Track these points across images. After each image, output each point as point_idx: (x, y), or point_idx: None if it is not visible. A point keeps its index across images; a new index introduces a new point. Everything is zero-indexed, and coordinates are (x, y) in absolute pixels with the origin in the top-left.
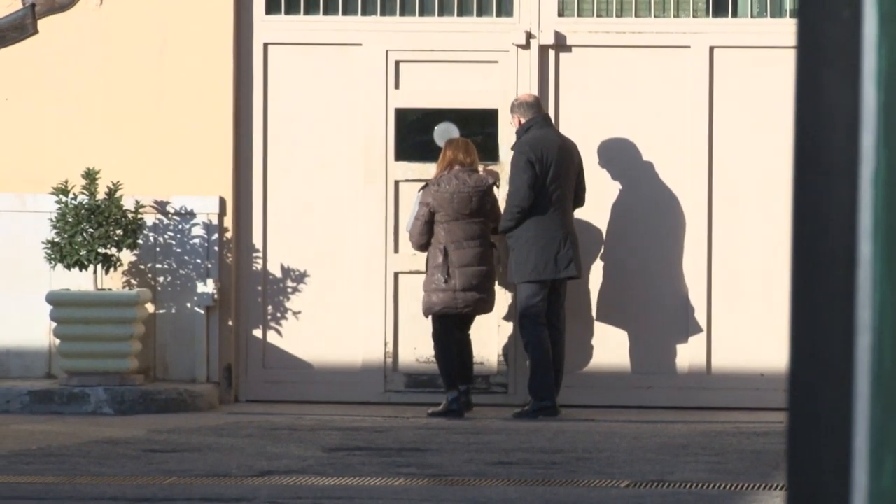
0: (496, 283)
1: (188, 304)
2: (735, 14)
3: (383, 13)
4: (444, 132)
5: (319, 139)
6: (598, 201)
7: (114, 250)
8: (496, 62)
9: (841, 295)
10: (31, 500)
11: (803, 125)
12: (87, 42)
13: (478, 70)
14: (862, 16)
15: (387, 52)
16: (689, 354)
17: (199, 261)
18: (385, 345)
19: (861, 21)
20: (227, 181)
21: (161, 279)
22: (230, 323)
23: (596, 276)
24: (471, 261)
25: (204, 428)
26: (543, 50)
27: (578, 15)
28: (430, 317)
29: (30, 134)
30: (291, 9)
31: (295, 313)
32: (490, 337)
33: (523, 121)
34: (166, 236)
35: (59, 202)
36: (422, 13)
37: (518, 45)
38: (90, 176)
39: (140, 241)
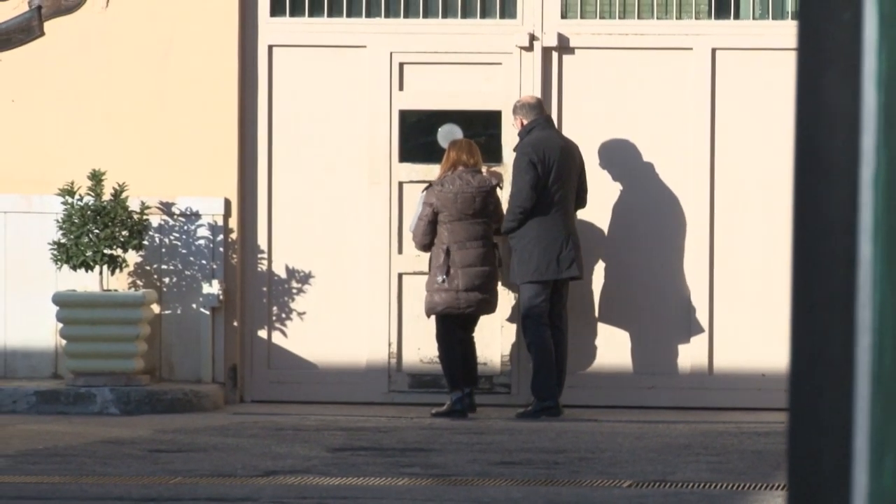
0: (499, 283)
1: (193, 305)
2: (737, 16)
3: (387, 15)
4: (447, 133)
5: (323, 141)
6: (601, 202)
7: (119, 251)
8: (500, 64)
9: (841, 295)
10: (37, 500)
11: (804, 126)
12: (93, 44)
13: (481, 72)
14: (862, 18)
15: (391, 53)
16: (690, 355)
17: (204, 262)
18: (389, 345)
19: (861, 23)
20: (232, 182)
21: (166, 280)
22: (235, 324)
23: (598, 276)
24: (474, 261)
25: (209, 428)
26: (546, 52)
27: (581, 17)
28: (433, 317)
29: (36, 135)
30: (296, 11)
31: (299, 314)
32: (493, 337)
33: (525, 122)
34: (172, 237)
35: (65, 203)
36: (425, 15)
37: (521, 47)
38: (96, 177)
39: (146, 242)
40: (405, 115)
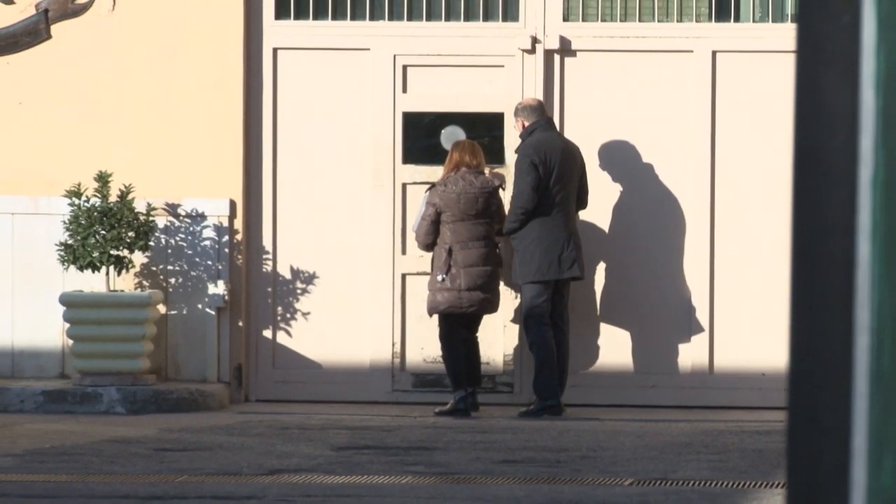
0: (501, 283)
1: (199, 306)
2: (737, 19)
3: (391, 18)
4: (450, 135)
5: (328, 142)
6: (602, 203)
7: (126, 252)
8: (502, 66)
9: (840, 295)
10: (44, 499)
11: (803, 127)
12: (99, 47)
13: (484, 74)
14: (861, 20)
15: (394, 56)
16: (691, 354)
17: (209, 262)
18: (393, 345)
19: (860, 25)
20: (238, 184)
21: (172, 280)
22: (240, 324)
23: (599, 276)
24: (476, 261)
25: (215, 427)
26: (549, 54)
27: (583, 20)
28: (436, 317)
29: (43, 137)
30: (300, 14)
31: (304, 314)
32: (496, 337)
33: (527, 124)
34: (177, 238)
35: (71, 205)
36: (429, 18)
37: (524, 50)
38: (102, 179)
39: (152, 243)
40: (408, 117)
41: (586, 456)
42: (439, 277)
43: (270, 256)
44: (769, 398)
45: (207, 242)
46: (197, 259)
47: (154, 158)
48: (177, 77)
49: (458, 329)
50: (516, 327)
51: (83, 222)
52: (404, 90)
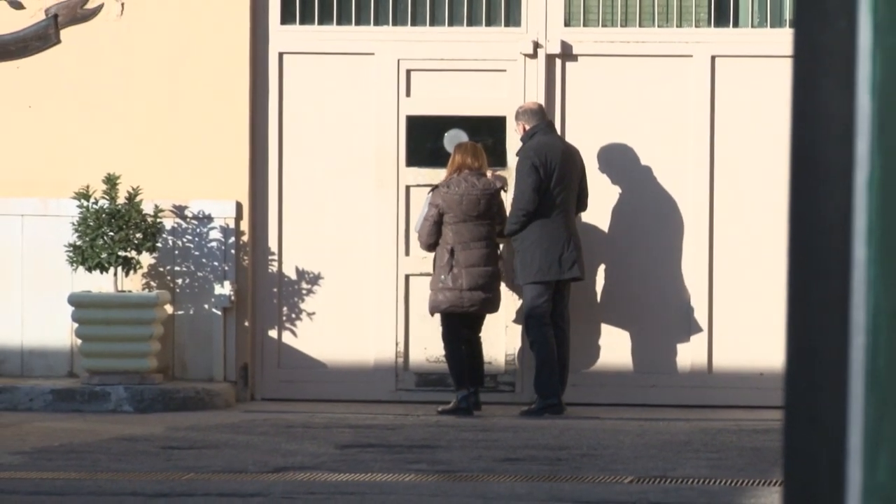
0: (502, 283)
1: (206, 306)
2: (736, 24)
3: (395, 23)
4: (453, 138)
5: (333, 145)
6: (602, 205)
7: (133, 253)
8: (504, 71)
9: (836, 296)
10: (53, 496)
11: (800, 131)
12: (107, 51)
13: (486, 78)
14: (857, 26)
15: (398, 60)
16: (690, 354)
17: (216, 263)
18: (396, 345)
19: (856, 31)
20: (244, 186)
21: (179, 281)
22: (246, 324)
23: (599, 277)
24: (477, 261)
25: (221, 425)
26: (550, 59)
27: (584, 25)
28: (439, 317)
29: (52, 140)
30: (306, 19)
31: (309, 314)
32: (498, 337)
33: (528, 127)
34: (185, 240)
35: (80, 206)
36: (432, 23)
37: (525, 55)
38: (111, 181)
39: (159, 245)
40: (412, 121)
41: (587, 454)
42: (443, 277)
43: (276, 257)
44: (767, 397)
45: (214, 244)
46: (204, 260)
47: (161, 161)
48: (184, 81)
49: (460, 328)
50: (518, 327)
51: (92, 224)
52: (408, 94)
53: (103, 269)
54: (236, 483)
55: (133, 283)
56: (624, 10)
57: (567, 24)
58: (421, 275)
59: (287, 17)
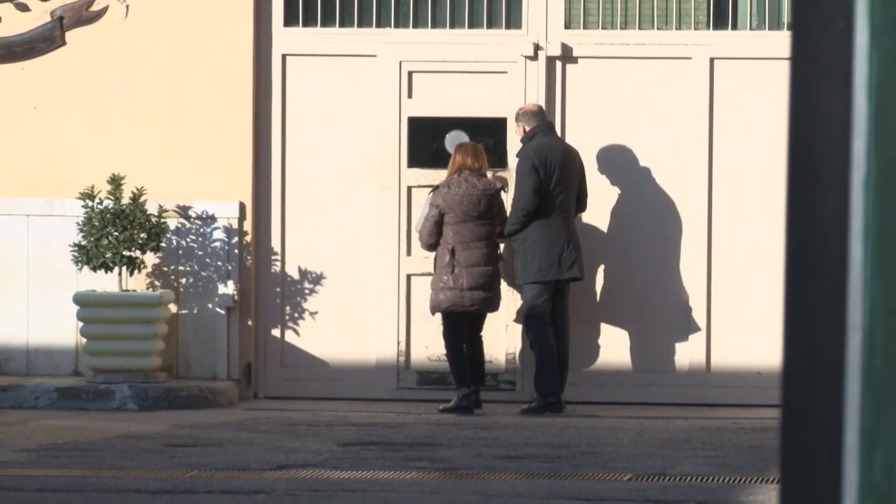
0: (502, 282)
1: (209, 305)
2: (735, 26)
3: (397, 25)
4: (454, 140)
5: (335, 146)
6: (601, 206)
7: (138, 253)
8: (505, 73)
9: (833, 295)
10: (58, 493)
11: (797, 132)
12: (112, 53)
13: (488, 80)
14: (854, 28)
15: (400, 62)
16: (689, 353)
17: (219, 263)
18: (398, 344)
19: (853, 33)
20: (247, 187)
21: (183, 281)
22: (250, 323)
23: (599, 277)
24: (478, 261)
25: (224, 423)
26: (551, 61)
27: (584, 27)
28: (440, 316)
29: (57, 141)
30: (309, 21)
31: (312, 313)
32: (498, 336)
33: (528, 129)
34: (188, 240)
35: (85, 207)
36: (434, 25)
37: (526, 57)
38: (115, 182)
39: (163, 245)
40: (414, 122)
41: (587, 452)
42: (444, 277)
43: (279, 257)
44: (765, 396)
45: (218, 244)
46: (207, 260)
47: (166, 162)
48: (188, 82)
49: (461, 327)
50: (518, 327)
51: (96, 224)
52: (410, 95)
53: (108, 268)
54: (239, 480)
55: (137, 283)
56: (624, 13)
57: (567, 26)
58: (422, 274)
59: (290, 19)
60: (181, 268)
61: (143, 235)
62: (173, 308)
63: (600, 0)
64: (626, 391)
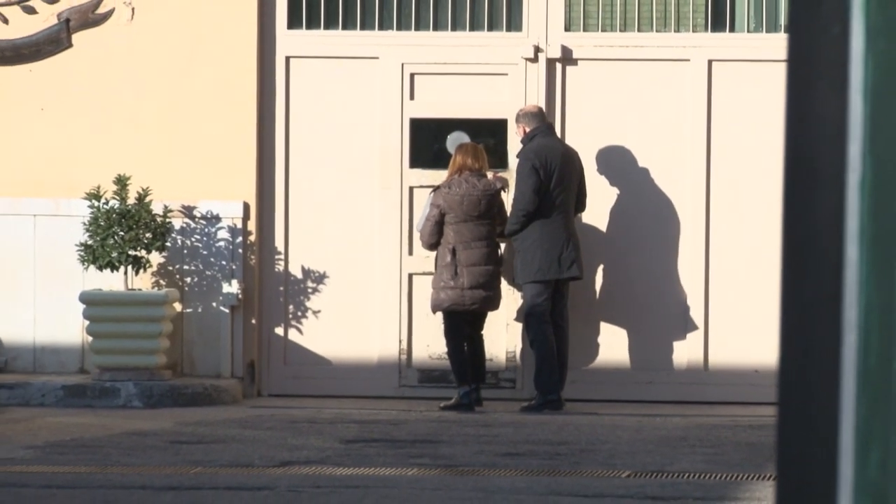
0: (502, 281)
1: (214, 304)
2: (732, 29)
3: (399, 28)
4: (455, 140)
5: (338, 147)
6: (601, 206)
7: (143, 252)
8: (506, 74)
9: (828, 295)
10: (64, 489)
11: (793, 134)
12: (118, 55)
13: (488, 82)
14: (850, 31)
15: (402, 64)
16: (687, 352)
17: (224, 262)
18: (399, 342)
19: (849, 36)
20: (251, 187)
21: (188, 280)
22: (253, 321)
23: (598, 276)
24: (478, 260)
25: (228, 420)
26: (551, 63)
27: (584, 30)
28: (441, 315)
29: (64, 142)
30: (312, 24)
31: (314, 312)
32: (499, 335)
33: (528, 130)
34: (193, 239)
35: (91, 207)
36: (436, 28)
37: (527, 59)
38: (121, 182)
39: (168, 244)
40: (416, 124)
41: (585, 449)
42: (446, 276)
43: (282, 257)
44: (762, 394)
45: (222, 243)
46: (212, 259)
47: (171, 162)
48: (192, 84)
49: (462, 326)
50: (518, 326)
51: (102, 224)
52: (412, 97)
53: (114, 267)
54: (243, 477)
55: (143, 282)
56: (623, 16)
57: (567, 28)
58: (424, 274)
59: (294, 22)
60: (186, 267)
61: (148, 235)
62: (178, 307)
63: (600, 3)
64: (625, 389)
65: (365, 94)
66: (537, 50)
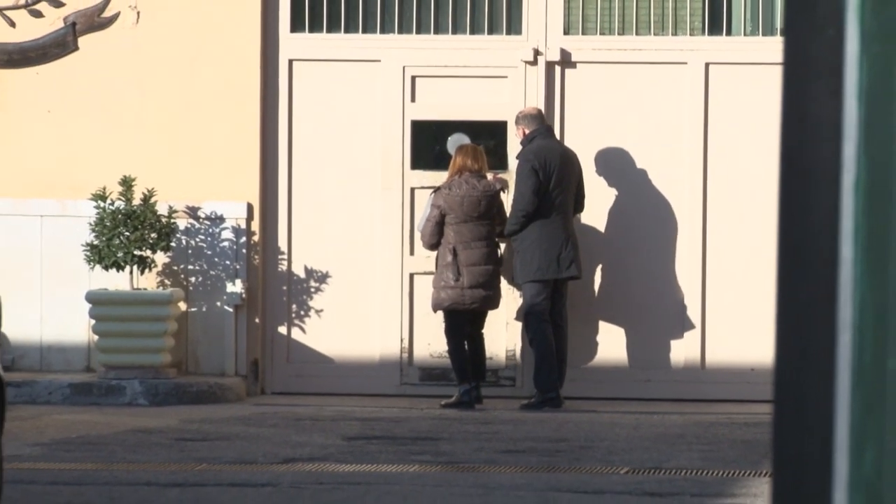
0: (501, 280)
1: (218, 303)
2: (729, 32)
3: (400, 31)
4: (456, 142)
5: (340, 149)
6: (599, 207)
7: (148, 252)
8: (505, 77)
9: (824, 294)
10: (71, 486)
11: (789, 136)
12: (124, 58)
13: (488, 84)
14: (845, 34)
15: (403, 67)
16: (684, 350)
17: (228, 262)
18: (401, 341)
19: (844, 39)
20: (255, 188)
21: (193, 279)
22: (257, 320)
23: (596, 276)
24: (478, 260)
25: (232, 418)
26: (550, 66)
27: (583, 33)
28: (441, 314)
29: (70, 144)
30: (315, 27)
31: (317, 311)
32: (499, 334)
33: (527, 131)
34: (198, 239)
35: (97, 207)
36: (436, 31)
37: (526, 62)
38: (126, 183)
39: (173, 244)
40: (417, 126)
41: (584, 446)
42: (448, 275)
43: (285, 257)
44: (758, 392)
45: (226, 243)
46: (216, 259)
47: (175, 164)
48: (197, 87)
49: (463, 325)
50: (518, 325)
51: (108, 224)
52: (413, 99)
53: (119, 267)
54: (247, 473)
55: (148, 282)
56: (621, 19)
57: (566, 32)
58: (425, 273)
59: (297, 25)
60: (190, 267)
61: (153, 235)
62: (183, 306)
63: (598, 6)
64: (624, 387)
65: (367, 97)
66: (537, 53)
